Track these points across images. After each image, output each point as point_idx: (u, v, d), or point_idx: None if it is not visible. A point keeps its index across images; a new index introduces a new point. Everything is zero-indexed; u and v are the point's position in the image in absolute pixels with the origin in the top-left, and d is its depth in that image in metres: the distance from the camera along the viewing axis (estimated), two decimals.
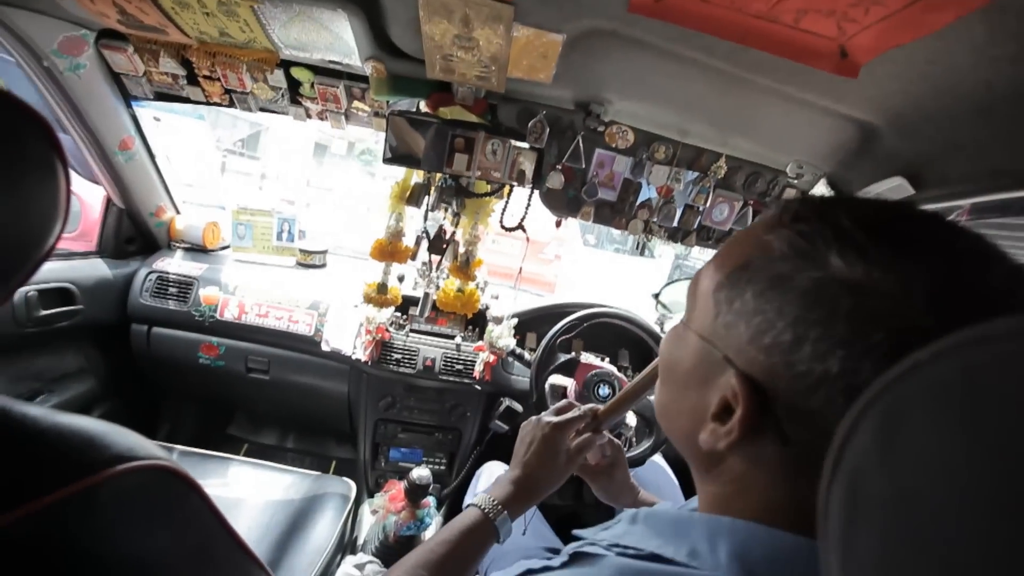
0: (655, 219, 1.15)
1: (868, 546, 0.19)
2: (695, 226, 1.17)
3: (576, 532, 0.47)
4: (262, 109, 1.24)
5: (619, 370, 1.37)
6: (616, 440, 0.83)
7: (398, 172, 1.19)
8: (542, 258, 4.30)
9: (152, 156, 1.41)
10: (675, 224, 1.17)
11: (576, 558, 0.40)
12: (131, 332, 1.51)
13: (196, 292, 1.48)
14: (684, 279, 0.51)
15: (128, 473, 0.37)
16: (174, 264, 1.52)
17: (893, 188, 0.84)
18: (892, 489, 0.18)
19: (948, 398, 0.17)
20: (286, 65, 1.11)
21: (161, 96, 1.24)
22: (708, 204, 1.14)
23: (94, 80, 1.13)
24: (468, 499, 1.21)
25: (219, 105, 1.24)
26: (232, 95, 1.20)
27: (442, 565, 0.60)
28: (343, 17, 0.84)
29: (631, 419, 1.33)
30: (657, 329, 1.42)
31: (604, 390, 1.29)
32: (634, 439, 1.33)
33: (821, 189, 1.00)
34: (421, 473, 1.23)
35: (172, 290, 1.48)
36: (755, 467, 0.35)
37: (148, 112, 1.36)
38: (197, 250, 1.58)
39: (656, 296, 0.62)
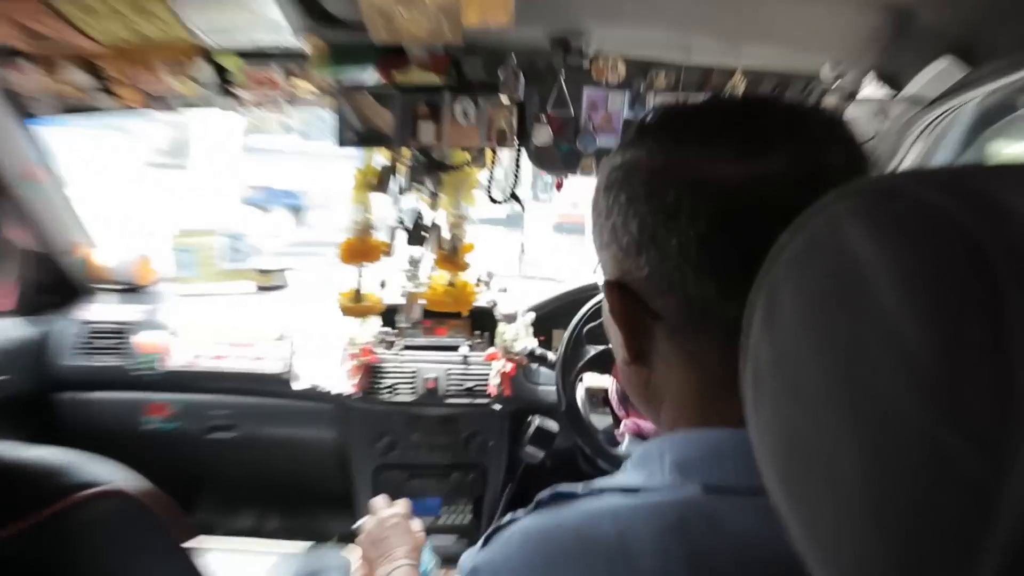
0: None
1: (765, 404, 0.25)
2: None
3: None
4: (184, 106, 1.16)
5: None
6: None
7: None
8: None
9: (60, 183, 1.28)
10: None
11: (543, 504, 0.40)
12: (54, 403, 1.32)
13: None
14: None
15: (93, 499, 0.44)
16: (103, 311, 1.36)
17: (942, 71, 0.78)
18: (774, 353, 0.25)
19: (800, 267, 0.24)
20: (208, 56, 1.04)
21: (70, 110, 1.16)
22: None
23: None
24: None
25: (137, 109, 1.15)
26: (152, 98, 1.12)
27: None
28: None
29: None
30: None
31: None
32: None
33: (871, 90, 0.92)
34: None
35: (102, 343, 1.31)
36: (668, 371, 0.39)
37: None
38: (129, 290, 1.42)
39: None
